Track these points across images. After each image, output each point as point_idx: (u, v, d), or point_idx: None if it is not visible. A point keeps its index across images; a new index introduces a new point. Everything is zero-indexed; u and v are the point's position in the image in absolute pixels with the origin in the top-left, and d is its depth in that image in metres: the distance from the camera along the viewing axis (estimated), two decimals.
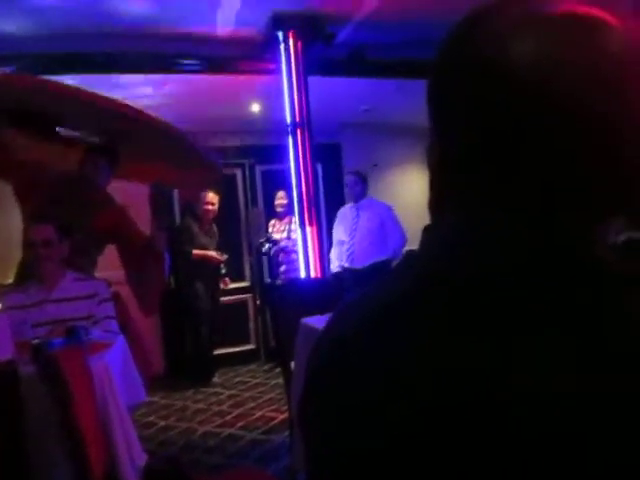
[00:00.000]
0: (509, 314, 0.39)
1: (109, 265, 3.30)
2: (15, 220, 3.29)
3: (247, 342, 5.55)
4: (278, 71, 3.77)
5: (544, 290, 0.39)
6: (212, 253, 4.87)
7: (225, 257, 4.95)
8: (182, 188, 5.01)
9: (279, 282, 4.90)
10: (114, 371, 2.06)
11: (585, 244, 0.40)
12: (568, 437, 0.35)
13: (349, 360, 0.46)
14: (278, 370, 5.08)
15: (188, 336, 4.95)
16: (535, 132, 0.41)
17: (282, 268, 4.94)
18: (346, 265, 4.60)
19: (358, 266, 4.52)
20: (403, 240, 4.61)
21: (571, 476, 0.34)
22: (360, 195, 4.63)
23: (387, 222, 4.60)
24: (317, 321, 2.46)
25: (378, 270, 4.49)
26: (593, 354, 0.37)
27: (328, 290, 3.35)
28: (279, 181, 4.93)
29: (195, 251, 4.79)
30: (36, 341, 1.68)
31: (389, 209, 4.66)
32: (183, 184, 4.58)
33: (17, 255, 3.07)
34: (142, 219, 4.96)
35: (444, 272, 0.44)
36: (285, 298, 3.15)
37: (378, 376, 0.43)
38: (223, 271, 5.03)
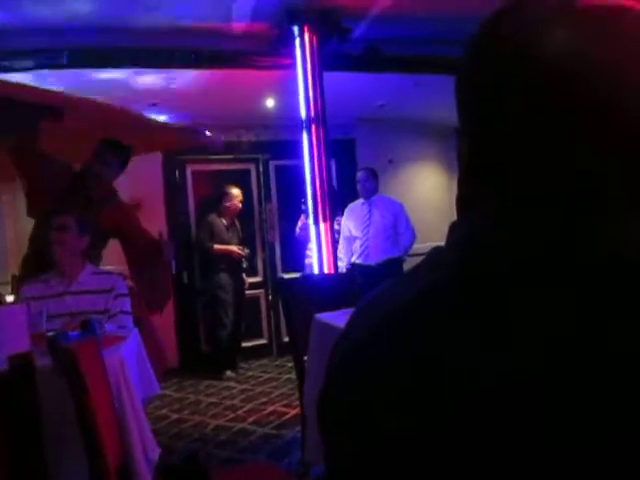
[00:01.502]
0: (553, 311, 0.38)
1: (120, 259, 3.32)
2: (24, 215, 3.32)
3: (259, 337, 5.56)
4: (293, 66, 3.75)
5: (586, 285, 0.38)
6: (234, 248, 4.96)
7: (247, 252, 5.06)
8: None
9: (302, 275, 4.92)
10: (129, 364, 2.07)
11: (623, 239, 0.39)
12: None
13: (378, 355, 0.45)
14: (290, 365, 5.09)
15: (214, 327, 4.99)
16: (568, 126, 0.41)
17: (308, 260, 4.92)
18: (358, 261, 4.59)
19: (371, 262, 4.51)
20: (413, 238, 4.66)
21: None
22: (372, 191, 4.62)
23: (400, 219, 4.61)
24: (331, 317, 2.45)
25: (390, 267, 4.50)
26: None
27: (341, 286, 3.35)
28: (293, 176, 4.93)
29: (217, 246, 4.90)
30: (51, 333, 1.69)
31: (402, 206, 4.68)
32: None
33: (11, 262, 3.13)
34: (157, 212, 5.02)
35: (482, 268, 0.43)
36: (299, 293, 3.15)
37: (407, 370, 0.42)
38: (244, 265, 5.15)
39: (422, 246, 5.82)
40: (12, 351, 1.91)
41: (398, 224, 4.59)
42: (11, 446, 1.46)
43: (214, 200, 5.14)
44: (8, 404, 1.42)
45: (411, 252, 4.80)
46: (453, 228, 0.50)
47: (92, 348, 1.64)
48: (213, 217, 4.99)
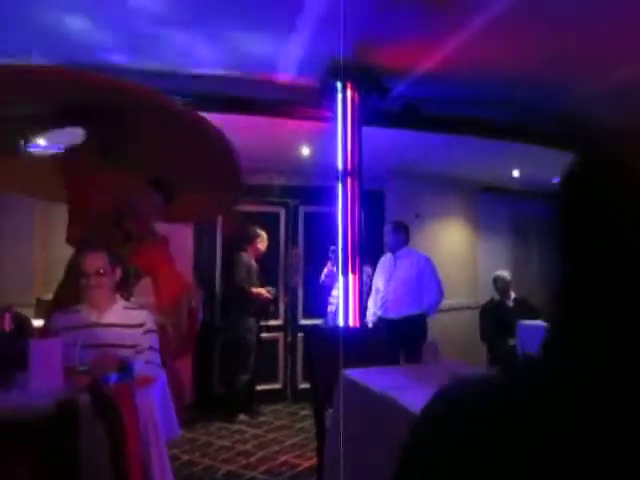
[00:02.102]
0: None
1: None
2: (56, 238, 3.37)
3: (275, 381, 5.51)
4: (333, 119, 3.86)
5: None
6: (263, 291, 4.99)
7: (275, 294, 5.13)
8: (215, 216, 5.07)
9: (324, 322, 4.91)
10: (157, 407, 2.07)
11: None
12: None
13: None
14: (304, 413, 5.03)
15: (235, 369, 4.96)
16: None
17: (331, 308, 4.90)
18: (379, 314, 4.57)
19: (391, 316, 4.47)
20: (440, 295, 4.53)
21: None
22: (398, 245, 4.62)
23: (425, 274, 4.53)
24: (359, 374, 2.44)
25: (412, 324, 4.41)
26: None
27: (367, 340, 3.34)
28: (321, 223, 4.99)
29: (254, 289, 4.93)
30: (94, 376, 1.70)
31: (427, 260, 4.60)
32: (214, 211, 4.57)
33: (57, 271, 3.17)
34: (185, 249, 5.08)
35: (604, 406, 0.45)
36: (325, 343, 3.14)
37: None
38: (272, 308, 5.21)
39: (446, 302, 5.81)
40: (46, 386, 1.93)
41: (422, 278, 4.51)
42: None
43: (240, 241, 5.19)
44: (51, 448, 1.43)
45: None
46: (549, 351, 0.52)
47: (128, 393, 1.65)
48: (247, 257, 5.00)
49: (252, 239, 5.07)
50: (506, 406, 0.47)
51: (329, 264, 4.92)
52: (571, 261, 0.52)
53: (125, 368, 1.80)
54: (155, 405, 2.08)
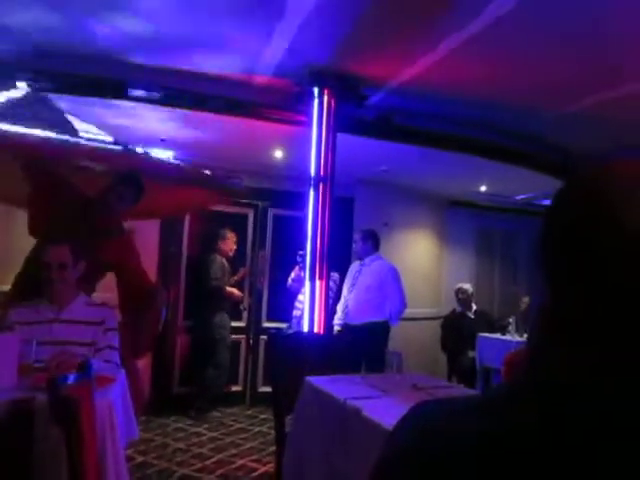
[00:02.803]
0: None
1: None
2: (17, 226, 3.26)
3: (234, 383, 5.46)
4: (308, 124, 3.85)
5: None
6: (235, 290, 5.15)
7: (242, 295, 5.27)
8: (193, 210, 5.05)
9: (288, 327, 4.92)
10: (116, 408, 2.02)
11: None
12: None
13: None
14: (262, 417, 5.00)
15: (204, 366, 4.99)
16: None
17: (296, 313, 4.89)
18: (343, 319, 4.58)
19: (354, 322, 4.49)
20: (402, 304, 4.55)
21: None
22: (365, 252, 4.64)
23: (388, 282, 4.54)
24: (323, 382, 2.44)
25: (373, 331, 4.43)
26: None
27: (329, 347, 3.35)
28: (290, 227, 4.98)
29: (228, 288, 5.07)
30: (51, 375, 1.64)
31: (392, 269, 4.62)
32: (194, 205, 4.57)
33: (17, 259, 3.07)
34: (150, 245, 4.99)
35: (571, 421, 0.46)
36: (288, 348, 3.14)
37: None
38: (244, 308, 5.41)
39: (410, 311, 5.88)
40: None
41: (386, 287, 4.53)
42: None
43: (208, 240, 5.15)
44: (3, 448, 1.37)
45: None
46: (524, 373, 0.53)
47: (87, 394, 1.60)
48: (219, 258, 5.04)
49: (223, 239, 5.06)
50: (495, 447, 0.47)
51: (297, 268, 4.90)
52: (549, 290, 0.52)
53: (84, 367, 1.75)
54: (114, 406, 2.03)
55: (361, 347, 4.11)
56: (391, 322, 4.56)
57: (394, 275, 4.59)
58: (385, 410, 1.95)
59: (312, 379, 2.50)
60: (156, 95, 3.76)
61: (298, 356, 3.14)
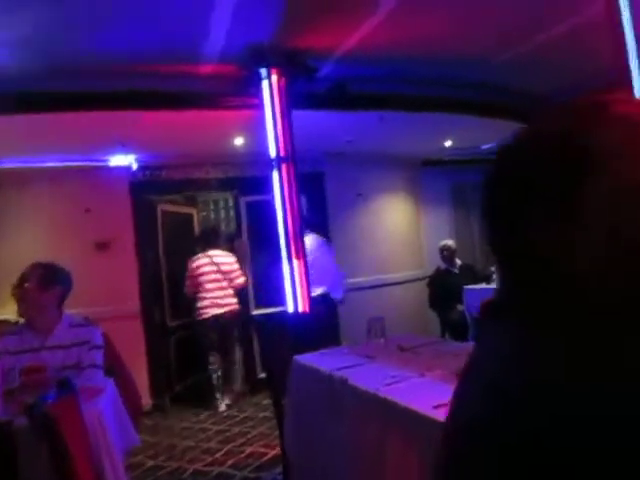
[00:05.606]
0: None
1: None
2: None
3: None
4: (261, 106, 3.81)
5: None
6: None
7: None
8: None
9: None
10: (107, 418, 2.02)
11: None
12: None
13: None
14: (265, 402, 5.03)
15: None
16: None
17: None
18: None
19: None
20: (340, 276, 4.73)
21: None
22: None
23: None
24: (310, 359, 2.46)
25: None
26: None
27: (311, 324, 3.37)
28: (264, 211, 4.96)
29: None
30: (29, 400, 1.62)
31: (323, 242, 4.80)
32: None
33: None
34: (127, 250, 4.96)
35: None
36: (275, 331, 3.15)
37: None
38: None
39: (395, 276, 5.91)
40: None
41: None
42: None
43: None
44: None
45: (380, 282, 4.83)
46: (484, 327, 0.54)
47: (71, 406, 1.60)
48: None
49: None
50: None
51: None
52: (501, 233, 0.52)
53: (64, 384, 1.74)
54: (104, 416, 2.03)
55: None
56: (333, 295, 4.64)
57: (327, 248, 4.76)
58: (370, 376, 1.97)
59: (300, 357, 2.52)
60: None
61: (286, 338, 3.16)
